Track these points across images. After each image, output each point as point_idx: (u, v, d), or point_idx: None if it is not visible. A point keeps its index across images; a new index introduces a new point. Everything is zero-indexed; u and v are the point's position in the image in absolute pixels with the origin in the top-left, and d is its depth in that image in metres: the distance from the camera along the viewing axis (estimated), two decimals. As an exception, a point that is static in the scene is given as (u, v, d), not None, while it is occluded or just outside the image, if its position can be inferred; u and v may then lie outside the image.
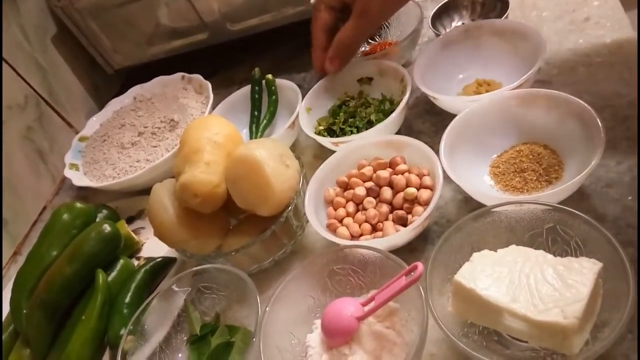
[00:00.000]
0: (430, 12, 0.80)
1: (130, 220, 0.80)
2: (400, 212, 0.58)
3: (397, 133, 0.69)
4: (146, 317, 0.58)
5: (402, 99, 0.67)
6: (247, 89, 0.84)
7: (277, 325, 0.52)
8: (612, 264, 0.43)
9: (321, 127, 0.72)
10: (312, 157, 0.76)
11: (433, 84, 0.67)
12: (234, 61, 1.02)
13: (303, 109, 0.74)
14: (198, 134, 0.62)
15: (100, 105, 1.02)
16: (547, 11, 0.76)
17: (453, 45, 0.71)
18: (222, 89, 0.92)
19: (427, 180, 0.58)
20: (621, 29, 0.68)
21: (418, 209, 0.57)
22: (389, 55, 0.75)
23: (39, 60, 0.97)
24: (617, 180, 0.55)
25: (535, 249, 0.47)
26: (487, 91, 0.67)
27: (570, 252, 0.47)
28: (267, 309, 0.51)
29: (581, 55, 0.68)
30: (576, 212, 0.46)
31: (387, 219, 0.59)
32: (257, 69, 0.83)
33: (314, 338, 0.52)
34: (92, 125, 0.94)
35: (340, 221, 0.61)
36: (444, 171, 0.56)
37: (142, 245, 0.76)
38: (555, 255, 0.46)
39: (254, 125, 0.81)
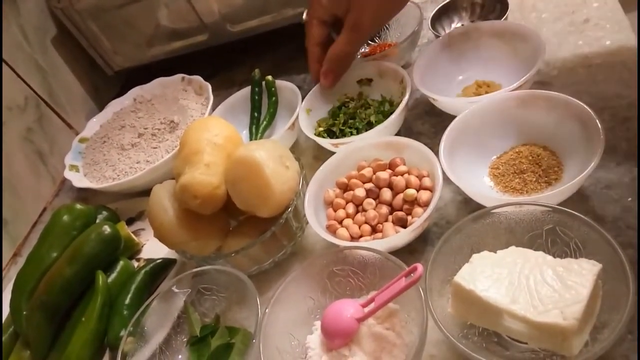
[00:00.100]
0: (429, 13, 0.80)
1: (130, 221, 0.80)
2: (400, 214, 0.58)
3: (396, 134, 0.69)
4: (146, 318, 0.58)
5: (401, 100, 0.67)
6: (247, 90, 0.84)
7: (277, 327, 0.52)
8: (612, 265, 0.43)
9: (321, 129, 0.72)
10: (312, 158, 0.76)
11: (433, 85, 0.67)
12: (234, 62, 1.03)
13: (303, 110, 0.74)
14: (198, 136, 0.62)
15: (100, 106, 1.02)
16: (547, 13, 0.76)
17: (453, 46, 0.72)
18: (222, 90, 0.92)
19: (426, 182, 0.58)
20: (621, 31, 0.68)
21: (418, 210, 0.57)
22: (388, 57, 0.75)
23: (39, 61, 0.97)
24: (616, 181, 0.55)
25: (534, 250, 0.47)
26: (486, 92, 0.67)
27: (569, 253, 0.47)
28: (267, 310, 0.51)
29: (581, 57, 0.68)
30: (576, 213, 0.46)
31: (386, 220, 0.59)
32: (257, 70, 0.83)
33: (314, 339, 0.52)
34: (92, 127, 0.94)
35: (340, 222, 0.61)
36: (443, 172, 0.56)
37: (142, 246, 0.76)
38: (554, 257, 0.46)
39: (254, 126, 0.81)
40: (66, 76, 1.03)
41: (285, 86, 0.81)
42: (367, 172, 0.62)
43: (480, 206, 0.55)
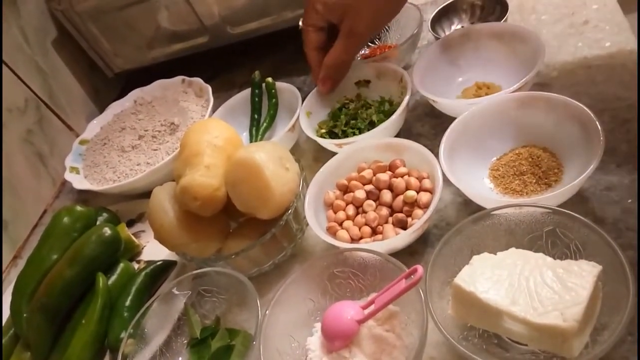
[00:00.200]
0: (429, 15, 0.80)
1: (130, 223, 0.80)
2: (400, 215, 0.58)
3: (396, 136, 0.69)
4: (146, 320, 0.58)
5: (401, 100, 0.67)
6: (247, 92, 0.84)
7: (277, 329, 0.52)
8: (612, 266, 0.43)
9: (323, 131, 0.72)
10: (312, 160, 0.76)
11: (433, 87, 0.67)
12: (234, 64, 1.03)
13: (303, 113, 0.74)
14: (198, 137, 0.62)
15: (101, 108, 1.02)
16: (546, 14, 0.76)
17: (452, 48, 0.72)
18: (222, 92, 0.92)
19: (426, 183, 0.58)
20: (620, 32, 0.68)
21: (418, 212, 0.57)
22: (388, 59, 0.75)
23: (40, 63, 0.97)
24: (616, 183, 0.55)
25: (534, 251, 0.47)
26: (486, 94, 0.67)
27: (569, 255, 0.47)
28: (267, 312, 0.51)
29: (580, 58, 0.68)
30: (576, 215, 0.46)
31: (387, 222, 0.59)
32: (257, 72, 0.83)
33: (314, 341, 0.52)
34: (93, 129, 0.94)
35: (340, 224, 0.61)
36: (443, 174, 0.56)
37: (143, 248, 0.76)
38: (554, 258, 0.46)
39: (254, 128, 0.81)
40: (66, 78, 1.03)
41: (286, 88, 0.81)
42: (367, 173, 0.62)
43: (480, 208, 0.55)
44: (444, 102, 0.65)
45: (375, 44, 0.85)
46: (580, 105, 0.55)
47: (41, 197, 0.94)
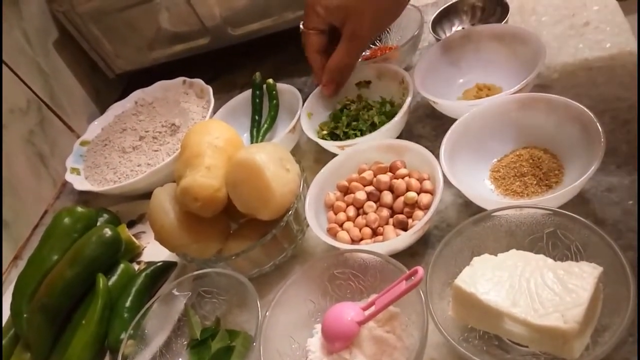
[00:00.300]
0: (430, 16, 0.80)
1: (131, 224, 0.80)
2: (401, 217, 0.58)
3: (397, 137, 0.69)
4: (147, 321, 0.58)
5: (402, 101, 0.67)
6: (248, 93, 0.84)
7: (277, 330, 0.52)
8: (613, 268, 0.43)
9: (324, 132, 0.72)
10: (312, 161, 0.76)
11: (433, 88, 0.67)
12: (235, 66, 1.03)
13: (304, 114, 0.74)
14: (199, 138, 0.62)
15: (102, 109, 1.02)
16: (547, 16, 0.76)
17: (453, 49, 0.72)
18: (223, 94, 0.92)
19: (427, 185, 0.58)
20: (621, 34, 0.68)
21: (418, 213, 0.57)
22: (389, 60, 0.75)
23: (41, 64, 0.97)
24: (617, 184, 0.55)
25: (535, 253, 0.47)
26: (487, 95, 0.67)
27: (570, 256, 0.47)
28: (267, 313, 0.51)
29: (581, 60, 0.68)
30: (576, 216, 0.46)
31: (387, 223, 0.59)
32: (258, 74, 0.83)
33: (315, 342, 0.52)
34: (94, 130, 0.94)
35: (341, 225, 0.61)
36: (444, 175, 0.56)
37: (143, 249, 0.76)
38: (555, 260, 0.46)
39: (255, 129, 0.81)
40: (68, 79, 1.03)
41: (286, 89, 0.81)
42: (368, 175, 0.62)
43: (481, 209, 0.55)
44: (445, 104, 0.65)
45: (376, 45, 0.85)
46: (581, 106, 0.55)
47: (42, 198, 0.94)
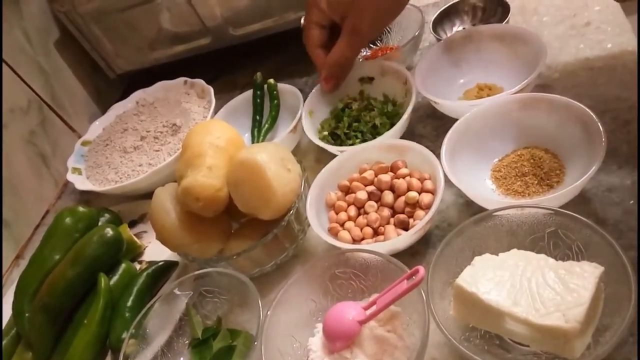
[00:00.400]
0: (431, 17, 0.80)
1: (132, 224, 0.80)
2: (402, 216, 0.58)
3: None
4: (148, 320, 0.58)
5: (405, 100, 0.67)
6: (249, 93, 0.84)
7: (278, 329, 0.52)
8: (614, 267, 0.43)
9: (325, 132, 0.72)
10: (313, 161, 0.76)
11: (434, 88, 0.67)
12: (236, 66, 1.03)
13: (305, 112, 0.74)
14: (200, 138, 0.62)
15: (103, 109, 1.02)
16: (548, 16, 0.76)
17: (454, 50, 0.72)
18: (224, 94, 0.93)
19: (428, 184, 0.58)
20: (622, 34, 0.68)
21: (419, 212, 0.57)
22: (390, 60, 0.75)
23: (42, 64, 0.97)
24: (618, 184, 0.55)
25: (536, 252, 0.47)
26: (488, 95, 0.67)
27: (571, 256, 0.47)
28: (268, 312, 0.52)
29: (582, 60, 0.68)
30: (577, 216, 0.46)
31: (388, 223, 0.59)
32: (259, 74, 0.83)
33: (316, 342, 0.52)
34: (95, 130, 0.95)
35: (342, 225, 0.61)
36: (445, 175, 0.56)
37: (144, 249, 0.76)
38: (556, 259, 0.46)
39: (256, 129, 0.81)
40: (69, 79, 1.03)
41: (287, 89, 0.81)
42: (369, 174, 0.62)
43: (482, 209, 0.55)
44: (446, 104, 0.65)
45: (376, 45, 0.85)
46: (582, 106, 0.55)
47: (43, 198, 0.94)
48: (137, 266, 0.72)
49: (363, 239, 0.59)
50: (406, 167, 0.62)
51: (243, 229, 0.65)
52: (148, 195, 0.68)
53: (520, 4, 0.80)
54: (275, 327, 0.51)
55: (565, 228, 0.47)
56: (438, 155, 0.58)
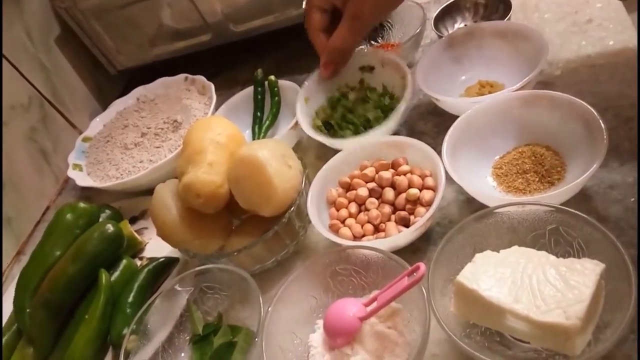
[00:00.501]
0: (433, 13, 0.80)
1: (133, 220, 0.80)
2: (403, 213, 0.58)
3: (398, 134, 0.69)
4: (149, 316, 0.58)
5: (402, 96, 0.66)
6: (250, 90, 0.84)
7: (279, 326, 0.52)
8: (615, 265, 0.43)
9: (319, 121, 0.71)
10: (314, 157, 0.76)
11: (436, 85, 0.67)
12: (236, 62, 1.03)
13: (301, 98, 0.73)
14: (201, 135, 0.62)
15: (104, 106, 1.02)
16: (550, 13, 0.76)
17: (456, 46, 0.72)
18: (225, 90, 0.92)
19: (429, 181, 0.58)
20: (624, 31, 0.68)
21: (420, 209, 0.57)
22: (392, 56, 0.75)
23: (43, 60, 0.97)
24: (619, 181, 0.55)
25: (537, 250, 0.47)
26: (489, 92, 0.67)
27: (572, 253, 0.47)
28: (269, 309, 0.52)
29: (584, 57, 0.68)
30: (579, 213, 0.46)
31: (389, 220, 0.59)
32: (259, 70, 0.83)
33: (317, 338, 0.52)
34: (96, 126, 0.95)
35: (343, 222, 0.61)
36: (446, 172, 0.56)
37: (145, 245, 0.76)
38: (557, 257, 0.46)
39: (257, 126, 0.81)
40: (70, 75, 1.03)
41: (288, 86, 0.81)
42: (370, 171, 0.62)
43: (483, 206, 0.55)
44: (447, 101, 0.65)
45: (378, 42, 0.85)
46: (584, 103, 0.54)
47: (44, 194, 0.94)
48: (138, 262, 0.72)
49: (364, 235, 0.59)
50: (407, 164, 0.62)
51: (244, 226, 0.65)
52: (149, 191, 0.68)
53: (521, 0, 0.79)
54: (276, 323, 0.51)
55: (566, 225, 0.47)
56: (439, 152, 0.58)
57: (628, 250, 0.43)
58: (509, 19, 0.74)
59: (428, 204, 0.57)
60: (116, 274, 0.68)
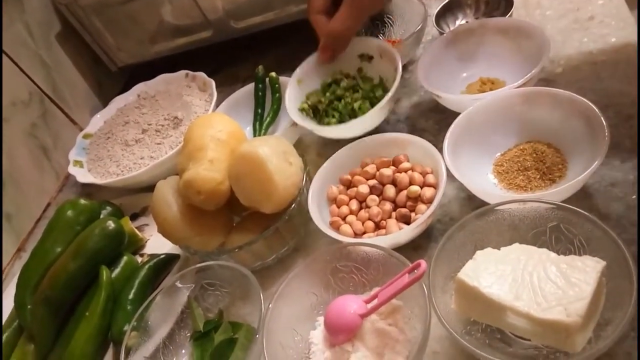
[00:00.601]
0: (434, 10, 0.80)
1: (134, 217, 0.80)
2: (404, 210, 0.58)
3: (400, 131, 0.69)
4: (150, 313, 0.58)
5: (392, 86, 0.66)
6: (250, 86, 0.84)
7: (280, 322, 0.52)
8: (616, 262, 0.43)
9: (307, 104, 0.71)
10: (315, 155, 0.76)
11: (437, 82, 0.67)
12: (237, 59, 1.03)
13: (293, 81, 0.72)
14: (202, 132, 0.62)
15: (104, 102, 1.02)
16: (551, 10, 0.76)
17: (457, 43, 0.71)
18: (225, 87, 0.92)
19: (430, 178, 0.58)
20: (626, 28, 0.68)
21: (421, 207, 0.57)
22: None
23: (43, 57, 0.97)
24: (620, 178, 0.55)
25: (538, 247, 0.47)
26: (491, 89, 0.67)
27: (573, 250, 0.47)
28: (270, 305, 0.52)
29: (585, 54, 0.68)
30: (580, 210, 0.46)
31: (390, 217, 0.59)
32: (260, 67, 0.83)
33: (317, 335, 0.52)
34: (96, 123, 0.94)
35: (344, 219, 0.61)
36: (447, 169, 0.56)
37: (146, 242, 0.76)
38: (558, 254, 0.46)
39: (258, 122, 0.81)
40: (70, 72, 1.03)
41: (289, 82, 0.80)
42: (371, 168, 0.62)
43: (484, 203, 0.55)
44: (448, 97, 0.65)
45: (379, 39, 0.85)
46: (586, 101, 0.54)
47: (45, 191, 0.94)
48: (139, 259, 0.72)
49: (365, 232, 0.59)
50: (408, 161, 0.61)
51: (244, 223, 0.65)
52: (150, 188, 0.68)
53: (523, -3, 0.79)
54: (276, 320, 0.51)
55: (567, 222, 0.47)
56: (440, 149, 0.58)
57: (629, 247, 0.43)
58: (510, 15, 0.73)
59: (429, 201, 0.57)
60: (117, 270, 0.68)
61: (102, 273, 0.65)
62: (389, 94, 0.64)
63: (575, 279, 0.43)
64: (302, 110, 0.70)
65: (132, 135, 0.88)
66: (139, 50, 1.02)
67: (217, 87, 0.86)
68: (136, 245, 0.75)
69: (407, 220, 0.57)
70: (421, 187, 0.58)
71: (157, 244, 0.73)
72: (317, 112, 0.70)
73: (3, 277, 0.83)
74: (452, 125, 0.60)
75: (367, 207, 0.60)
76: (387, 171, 0.61)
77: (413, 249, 0.59)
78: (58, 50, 1.01)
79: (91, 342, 0.62)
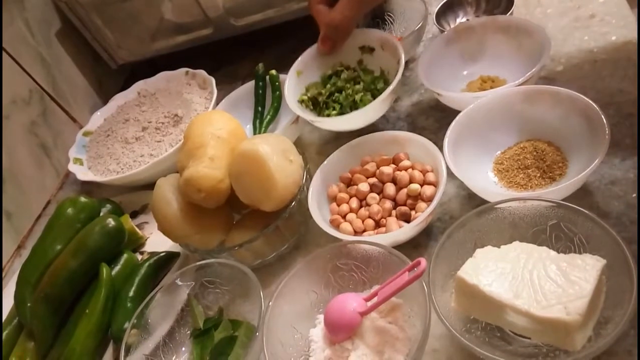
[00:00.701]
0: (434, 8, 0.80)
1: (134, 214, 0.80)
2: (404, 208, 0.58)
3: (399, 129, 0.69)
4: (150, 311, 0.58)
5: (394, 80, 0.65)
6: (250, 84, 0.84)
7: (280, 320, 0.52)
8: (616, 260, 0.43)
9: (307, 95, 0.70)
10: (315, 153, 0.76)
11: (437, 80, 0.67)
12: (237, 56, 1.02)
13: (293, 72, 0.72)
14: (202, 129, 0.62)
15: (104, 100, 1.02)
16: (552, 8, 0.76)
17: (457, 41, 0.71)
18: (225, 85, 0.92)
19: (430, 177, 0.58)
20: (626, 26, 0.68)
21: (421, 205, 0.57)
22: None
23: (44, 54, 0.97)
24: (621, 177, 0.55)
25: (538, 245, 0.47)
26: (491, 87, 0.67)
27: (573, 248, 0.47)
28: (270, 303, 0.52)
29: (586, 52, 0.68)
30: (580, 208, 0.46)
31: (390, 215, 0.59)
32: (260, 65, 0.83)
33: (317, 333, 0.52)
34: (96, 120, 0.94)
35: (344, 217, 0.61)
36: (447, 167, 0.56)
37: (146, 239, 0.76)
38: (558, 252, 0.46)
39: (258, 120, 0.81)
40: (70, 70, 1.03)
41: (289, 81, 0.80)
42: (371, 166, 0.62)
43: (484, 201, 0.55)
44: (449, 96, 0.65)
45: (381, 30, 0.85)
46: (586, 99, 0.54)
47: (45, 188, 0.94)
48: (139, 257, 0.72)
49: (365, 230, 0.59)
50: (408, 159, 0.61)
51: (244, 220, 0.65)
52: (150, 186, 0.68)
53: (524, -5, 0.79)
54: (276, 318, 0.51)
55: (567, 221, 0.47)
56: (440, 148, 0.58)
57: (629, 246, 0.43)
58: (511, 13, 0.73)
59: (429, 199, 0.57)
60: (117, 268, 0.68)
61: (102, 271, 0.65)
62: (392, 86, 0.64)
63: (575, 277, 0.43)
64: (301, 101, 0.70)
65: (132, 132, 0.88)
66: (139, 47, 1.02)
67: (217, 84, 0.86)
68: (136, 243, 0.75)
69: (407, 219, 0.57)
70: (421, 185, 0.58)
71: (157, 242, 0.73)
72: (317, 104, 0.70)
73: (3, 274, 0.83)
74: (453, 124, 0.60)
75: (367, 205, 0.60)
76: (387, 169, 0.61)
77: (413, 247, 0.59)
78: (58, 48, 1.00)
79: (91, 340, 0.62)
